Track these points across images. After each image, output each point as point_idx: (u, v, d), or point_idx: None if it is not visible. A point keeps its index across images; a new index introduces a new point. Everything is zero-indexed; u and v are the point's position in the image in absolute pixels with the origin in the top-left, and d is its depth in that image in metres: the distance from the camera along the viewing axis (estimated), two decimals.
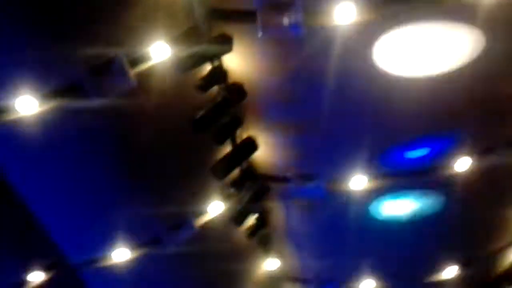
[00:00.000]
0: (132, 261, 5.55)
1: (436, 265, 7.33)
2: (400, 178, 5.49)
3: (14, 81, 3.81)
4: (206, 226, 5.60)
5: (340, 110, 4.66)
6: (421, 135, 5.08)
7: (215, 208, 5.66)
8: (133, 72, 3.84)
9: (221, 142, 4.72)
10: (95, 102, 3.88)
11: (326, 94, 4.41)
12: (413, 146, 5.19)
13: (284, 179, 5.31)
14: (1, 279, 5.35)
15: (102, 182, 4.97)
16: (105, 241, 5.52)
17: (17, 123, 4.02)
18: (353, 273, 7.13)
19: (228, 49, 4.10)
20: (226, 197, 5.68)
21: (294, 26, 3.67)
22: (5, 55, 3.63)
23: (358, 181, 5.35)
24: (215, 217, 5.65)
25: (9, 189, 4.76)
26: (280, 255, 6.88)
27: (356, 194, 5.42)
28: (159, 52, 3.89)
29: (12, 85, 3.82)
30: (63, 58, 3.70)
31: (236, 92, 4.49)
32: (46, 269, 5.57)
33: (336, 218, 5.91)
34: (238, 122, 4.80)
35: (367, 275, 7.25)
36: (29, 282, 5.52)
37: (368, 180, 5.35)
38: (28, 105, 3.95)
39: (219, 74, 4.31)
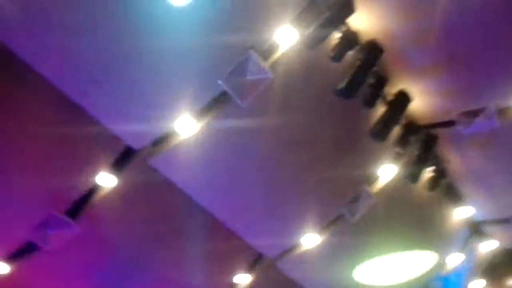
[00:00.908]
0: (321, 243, 5.66)
1: None
2: None
3: (172, 102, 4.11)
4: (383, 191, 5.51)
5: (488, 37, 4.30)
6: None
7: (386, 171, 5.55)
8: (267, 64, 3.95)
9: (372, 105, 4.62)
10: (243, 104, 4.04)
11: (466, 23, 4.10)
12: None
13: (449, 123, 5.03)
14: (212, 286, 5.80)
15: (273, 176, 5.17)
16: (293, 230, 5.71)
17: (185, 142, 4.34)
18: None
19: (351, 11, 4.01)
20: (395, 158, 5.54)
21: None
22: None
23: None
24: (389, 180, 5.55)
25: (197, 207, 5.18)
26: (471, 200, 6.51)
27: None
28: (286, 36, 3.95)
29: (171, 107, 4.12)
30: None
31: (372, 50, 4.37)
32: (248, 269, 5.93)
33: None
34: (383, 80, 4.67)
35: None
36: (237, 284, 5.91)
37: None
38: (187, 124, 4.26)
39: (349, 38, 4.23)
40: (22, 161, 4.36)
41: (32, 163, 4.39)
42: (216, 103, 4.26)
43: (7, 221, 4.66)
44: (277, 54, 3.99)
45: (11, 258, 4.79)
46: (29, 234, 4.59)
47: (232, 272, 5.84)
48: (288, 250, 5.82)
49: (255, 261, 5.93)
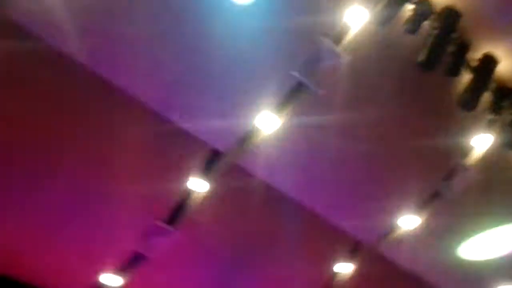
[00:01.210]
0: (421, 223, 5.49)
1: None
2: None
3: (250, 98, 4.15)
4: (479, 162, 5.26)
5: None
6: None
7: (481, 141, 5.28)
8: (341, 48, 3.88)
9: (456, 73, 4.42)
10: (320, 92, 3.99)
11: None
12: None
13: None
14: (311, 276, 5.78)
15: (361, 160, 5.09)
16: (389, 213, 5.58)
17: (268, 138, 4.36)
18: None
19: None
20: (489, 126, 5.27)
21: None
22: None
23: None
24: (485, 150, 5.28)
25: (290, 201, 5.20)
26: None
27: None
28: (356, 16, 3.87)
29: (250, 104, 4.16)
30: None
31: (448, 17, 4.18)
32: (348, 257, 5.86)
33: None
34: (465, 46, 4.45)
35: None
36: (338, 273, 5.86)
37: None
38: (269, 120, 4.26)
39: (422, 8, 4.07)
40: (120, 177, 4.57)
41: (128, 178, 4.59)
42: (294, 95, 4.23)
43: (114, 235, 4.91)
44: (350, 36, 3.91)
45: (122, 270, 5.02)
46: (134, 245, 4.79)
47: (332, 262, 5.79)
48: (387, 233, 5.69)
49: (354, 248, 5.86)
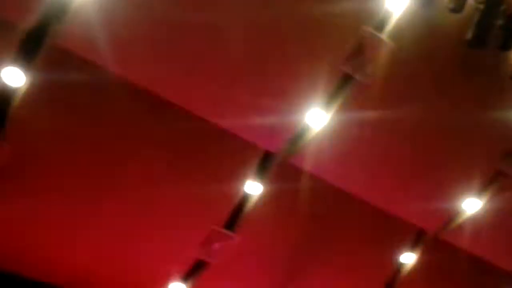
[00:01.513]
0: (486, 204, 5.33)
1: None
2: None
3: (299, 96, 4.12)
4: None
5: None
6: None
7: None
8: (385, 35, 3.82)
9: (509, 47, 4.28)
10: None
11: None
12: None
13: None
14: (376, 268, 5.69)
15: (416, 149, 4.98)
16: (450, 198, 5.44)
17: (317, 135, 4.32)
18: None
19: None
20: None
21: None
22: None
23: None
24: None
25: (348, 196, 5.12)
26: None
27: None
28: (399, 1, 3.79)
29: (298, 102, 4.13)
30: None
31: None
32: (412, 247, 5.75)
33: None
34: None
35: None
36: (404, 264, 5.75)
37: None
38: (318, 117, 4.23)
39: None
40: (179, 184, 4.62)
41: (185, 185, 4.63)
42: (342, 88, 4.19)
43: (177, 243, 4.96)
44: (393, 22, 3.84)
45: (185, 277, 5.08)
46: (196, 252, 4.83)
47: (396, 253, 5.69)
48: (450, 219, 5.55)
49: (418, 237, 5.73)
